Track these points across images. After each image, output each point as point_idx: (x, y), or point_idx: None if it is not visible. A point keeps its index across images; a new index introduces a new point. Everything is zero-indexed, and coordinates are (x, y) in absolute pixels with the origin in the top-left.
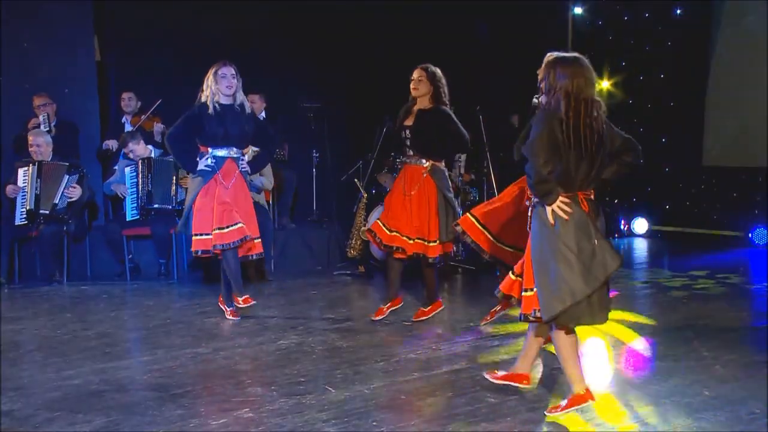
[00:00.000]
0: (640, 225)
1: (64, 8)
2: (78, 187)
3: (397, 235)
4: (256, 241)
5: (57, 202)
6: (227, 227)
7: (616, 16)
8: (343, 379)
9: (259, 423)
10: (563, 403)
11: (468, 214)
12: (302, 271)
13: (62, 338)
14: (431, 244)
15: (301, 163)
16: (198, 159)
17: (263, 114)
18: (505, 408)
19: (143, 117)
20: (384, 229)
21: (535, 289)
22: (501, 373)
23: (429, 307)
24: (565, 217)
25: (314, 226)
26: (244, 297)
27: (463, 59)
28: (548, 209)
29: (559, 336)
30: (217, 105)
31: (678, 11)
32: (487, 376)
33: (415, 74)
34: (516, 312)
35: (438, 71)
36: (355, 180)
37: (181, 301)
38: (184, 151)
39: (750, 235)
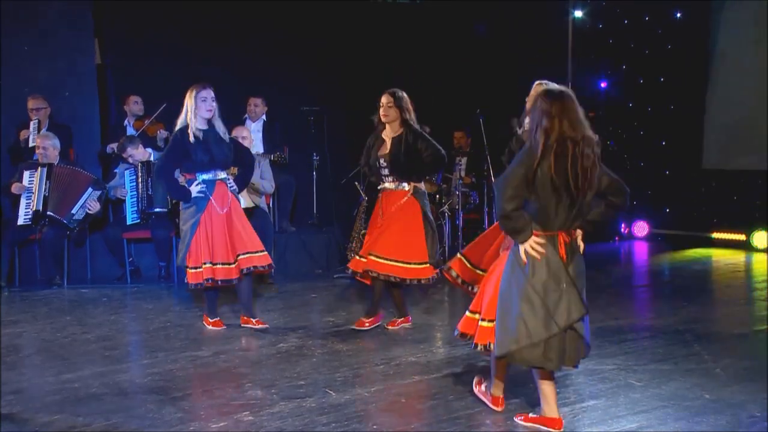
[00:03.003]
0: (641, 228)
1: (64, 11)
2: (98, 203)
3: (394, 264)
4: (261, 254)
5: (75, 212)
6: (233, 262)
7: (616, 19)
8: (343, 382)
9: (259, 426)
10: (533, 415)
11: (459, 256)
12: (302, 274)
13: (62, 341)
14: (422, 266)
15: (301, 166)
16: (188, 187)
17: (264, 117)
18: (505, 411)
19: (147, 121)
20: (369, 259)
21: (494, 322)
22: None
23: (400, 320)
24: (537, 257)
25: (314, 229)
26: (256, 319)
27: (464, 62)
28: (520, 248)
29: (537, 372)
30: (197, 130)
31: (678, 14)
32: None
33: (384, 100)
34: None
35: (404, 95)
36: (356, 183)
37: (181, 305)
38: (176, 184)
39: (750, 238)
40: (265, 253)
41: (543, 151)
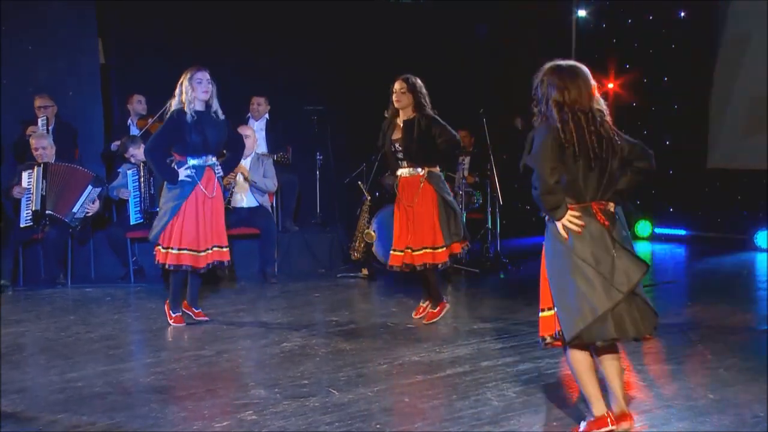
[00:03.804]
0: (644, 228)
1: (68, 11)
2: (98, 201)
3: (405, 252)
4: (225, 249)
5: (76, 211)
6: (204, 250)
7: (619, 18)
8: (346, 381)
9: (263, 425)
10: (582, 426)
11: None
12: (305, 273)
13: (66, 340)
14: (439, 249)
15: (304, 165)
16: (177, 169)
17: (267, 116)
18: (509, 411)
19: (150, 120)
20: (398, 253)
21: (554, 310)
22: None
23: (437, 309)
24: (578, 230)
25: (317, 228)
26: (198, 311)
27: (467, 62)
28: (558, 224)
29: (573, 356)
30: (193, 112)
31: (682, 13)
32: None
33: (397, 86)
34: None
35: (418, 81)
36: (359, 182)
37: None
38: (165, 165)
39: (754, 237)
40: (227, 249)
41: (560, 123)
